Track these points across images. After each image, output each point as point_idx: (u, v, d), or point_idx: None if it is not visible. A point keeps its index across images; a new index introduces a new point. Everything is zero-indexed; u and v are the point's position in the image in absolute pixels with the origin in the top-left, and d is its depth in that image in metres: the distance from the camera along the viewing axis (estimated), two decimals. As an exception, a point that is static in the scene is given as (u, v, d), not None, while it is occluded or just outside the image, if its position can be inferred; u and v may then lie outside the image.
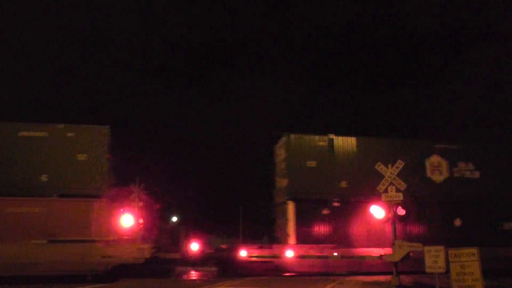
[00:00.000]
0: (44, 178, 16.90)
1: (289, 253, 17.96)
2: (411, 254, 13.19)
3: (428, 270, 10.85)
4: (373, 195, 14.48)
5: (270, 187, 21.82)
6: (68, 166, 17.08)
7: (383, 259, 14.50)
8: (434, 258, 10.76)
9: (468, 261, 10.18)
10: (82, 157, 16.91)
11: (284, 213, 19.68)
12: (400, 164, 13.85)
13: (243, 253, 18.25)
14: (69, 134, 17.41)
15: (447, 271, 10.48)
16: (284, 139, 20.23)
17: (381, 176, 13.88)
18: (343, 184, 19.34)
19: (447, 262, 10.50)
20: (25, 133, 17.22)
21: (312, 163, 19.42)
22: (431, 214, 19.14)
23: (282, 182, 20.28)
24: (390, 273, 13.66)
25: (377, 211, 14.17)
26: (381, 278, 15.42)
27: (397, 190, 13.62)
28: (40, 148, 17.11)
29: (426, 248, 11.06)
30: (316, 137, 19.86)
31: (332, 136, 19.95)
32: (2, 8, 45.09)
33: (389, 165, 13.93)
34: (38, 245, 15.80)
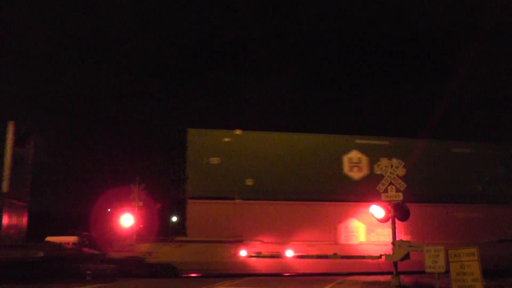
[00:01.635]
0: (479, 188, 19.73)
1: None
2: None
3: (428, 270, 10.83)
4: None
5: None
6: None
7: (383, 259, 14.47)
8: (434, 258, 10.74)
9: (468, 261, 10.17)
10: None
11: None
12: (399, 163, 13.84)
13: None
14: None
15: (447, 271, 10.47)
16: None
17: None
18: None
19: (447, 262, 10.49)
20: (457, 150, 19.83)
21: None
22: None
23: None
24: (390, 273, 13.66)
25: (376, 211, 14.14)
26: (381, 278, 15.39)
27: (397, 190, 13.64)
28: (470, 163, 19.94)
29: (426, 248, 11.04)
30: None
31: None
32: (2, 8, 45.10)
33: (389, 165, 13.93)
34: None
